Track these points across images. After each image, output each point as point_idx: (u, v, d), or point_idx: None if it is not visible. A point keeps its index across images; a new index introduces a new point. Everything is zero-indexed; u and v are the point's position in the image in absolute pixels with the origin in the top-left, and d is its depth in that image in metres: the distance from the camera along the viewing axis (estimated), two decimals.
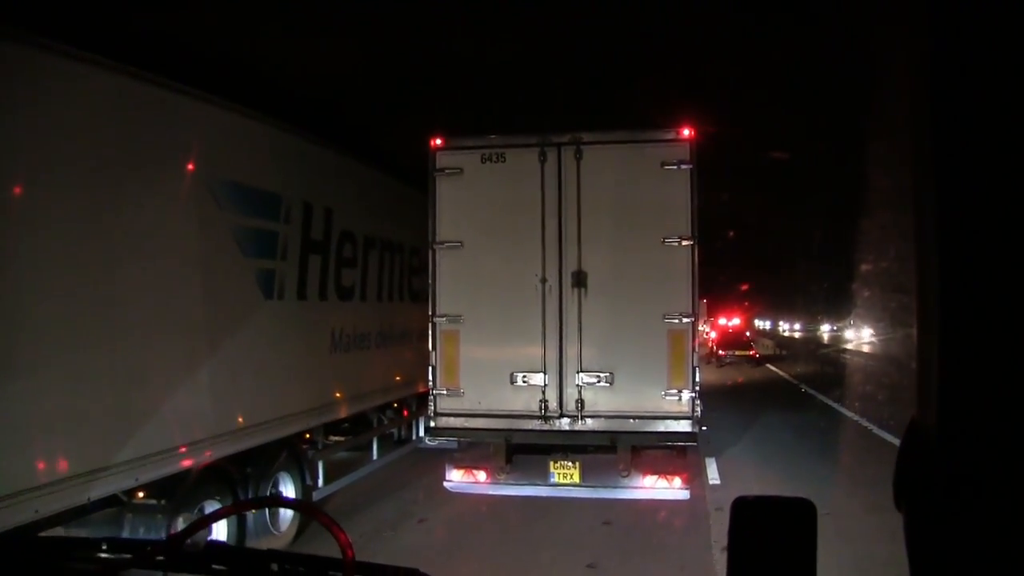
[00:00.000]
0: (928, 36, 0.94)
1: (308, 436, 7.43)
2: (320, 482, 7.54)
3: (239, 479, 6.02)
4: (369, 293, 8.59)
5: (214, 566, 1.35)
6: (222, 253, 5.80)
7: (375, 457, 9.24)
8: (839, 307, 32.99)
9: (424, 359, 10.13)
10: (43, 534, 4.12)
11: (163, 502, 5.16)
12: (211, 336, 5.60)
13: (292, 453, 7.00)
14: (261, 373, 6.24)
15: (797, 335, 50.47)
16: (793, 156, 14.68)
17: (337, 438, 8.95)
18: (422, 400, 10.66)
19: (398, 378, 9.56)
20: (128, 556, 1.42)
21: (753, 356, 32.38)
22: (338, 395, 7.74)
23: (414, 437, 10.87)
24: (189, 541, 1.36)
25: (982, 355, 0.91)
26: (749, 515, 1.07)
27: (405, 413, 10.56)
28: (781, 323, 54.65)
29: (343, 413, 7.92)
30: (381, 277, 8.96)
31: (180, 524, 5.14)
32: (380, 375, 8.93)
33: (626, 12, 7.25)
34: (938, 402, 0.92)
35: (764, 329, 53.81)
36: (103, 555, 1.41)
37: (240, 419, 5.90)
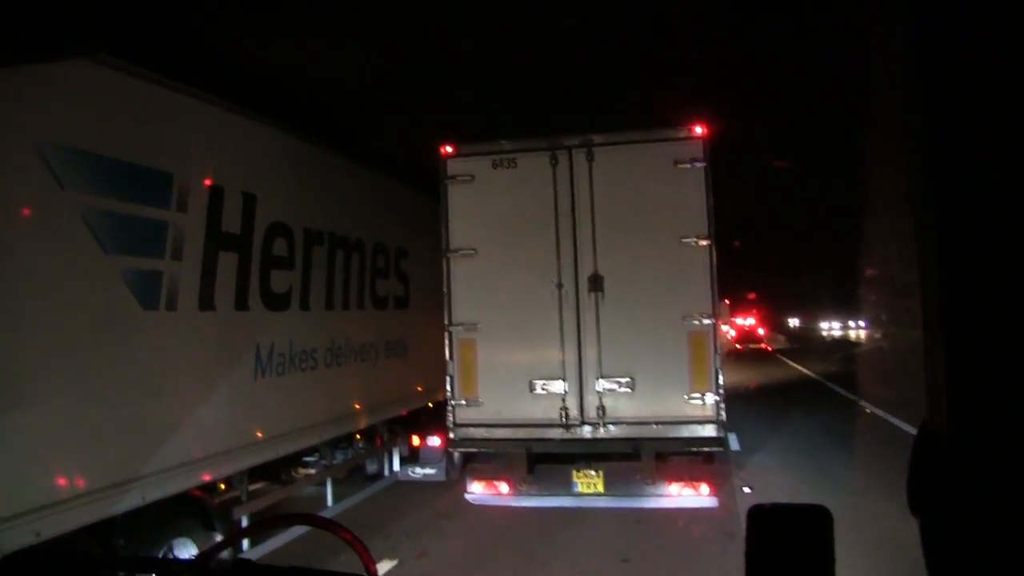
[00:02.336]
0: (922, 43, 0.94)
1: (223, 487, 5.86)
2: (245, 544, 5.94)
3: (102, 556, 4.44)
4: (314, 301, 6.93)
5: None
6: (67, 249, 4.20)
7: (330, 503, 7.64)
8: (847, 307, 37.81)
9: (397, 376, 8.75)
10: None
11: None
12: (47, 362, 4.03)
13: (196, 510, 5.44)
14: (134, 410, 4.59)
15: (809, 330, 54.17)
16: (803, 161, 15.31)
17: (308, 471, 7.46)
18: (397, 425, 9.18)
19: (362, 402, 7.97)
20: (153, 575, 1.38)
21: (765, 349, 38.46)
22: (268, 430, 6.13)
23: (387, 471, 9.31)
24: (217, 559, 1.28)
25: (989, 358, 0.89)
26: (766, 523, 1.05)
27: (379, 443, 9.01)
28: (797, 320, 57.86)
29: (275, 454, 6.27)
30: (332, 281, 7.29)
31: None
32: (334, 400, 7.31)
33: (634, 12, 7.11)
34: (947, 406, 0.90)
35: (779, 325, 56.33)
36: (128, 572, 1.33)
37: (97, 477, 4.31)
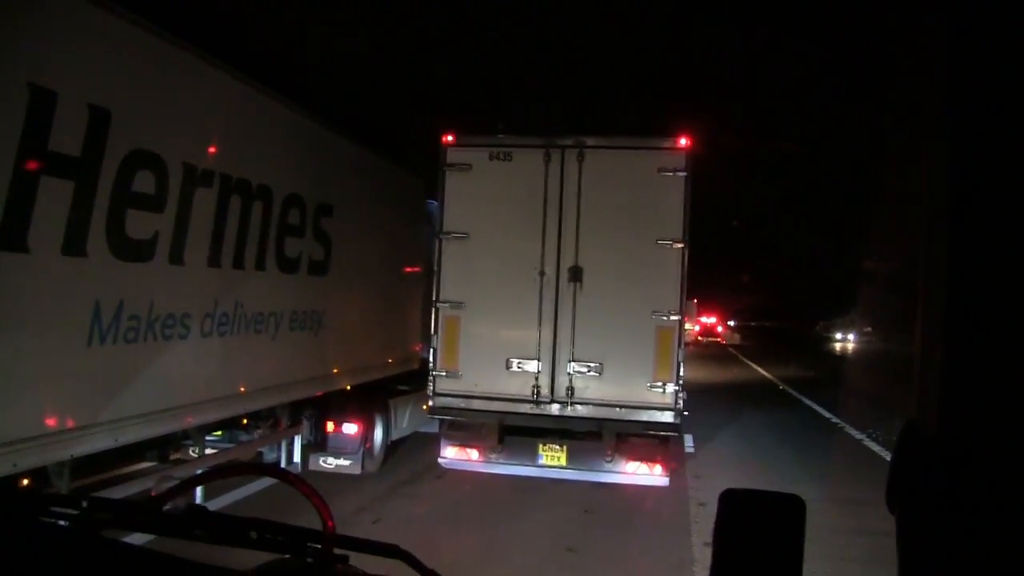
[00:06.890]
0: (944, 42, 0.91)
1: (27, 482, 4.58)
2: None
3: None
4: (191, 254, 5.54)
5: (194, 531, 1.27)
6: None
7: (198, 499, 6.37)
8: (805, 310, 46.02)
9: (308, 353, 7.86)
10: None
11: None
12: None
13: None
14: None
15: (767, 329, 60.92)
16: (777, 170, 16.43)
17: (183, 457, 6.27)
18: (308, 408, 8.03)
19: (254, 380, 6.67)
20: (107, 516, 1.33)
21: (719, 342, 50.65)
22: (101, 413, 4.83)
23: (284, 461, 8.06)
24: (170, 504, 1.28)
25: (986, 359, 0.87)
26: (737, 508, 1.04)
27: (280, 427, 7.78)
28: (759, 321, 63.57)
29: (112, 440, 4.96)
30: (221, 233, 5.86)
31: None
32: (212, 377, 5.99)
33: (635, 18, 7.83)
34: (939, 405, 0.89)
35: (738, 325, 64.05)
36: (80, 513, 1.28)
37: None
